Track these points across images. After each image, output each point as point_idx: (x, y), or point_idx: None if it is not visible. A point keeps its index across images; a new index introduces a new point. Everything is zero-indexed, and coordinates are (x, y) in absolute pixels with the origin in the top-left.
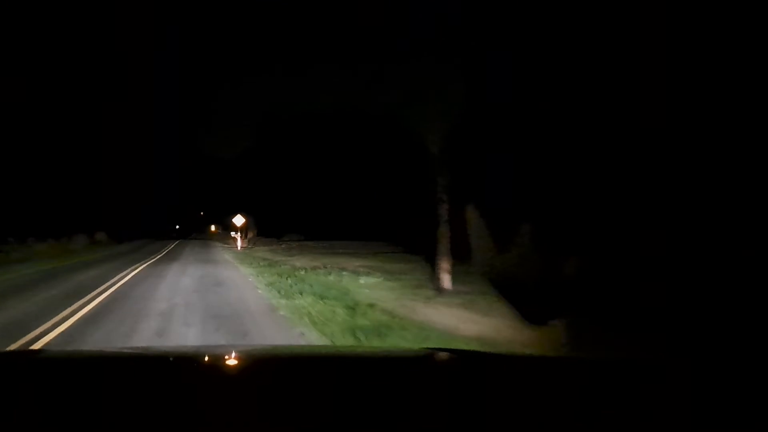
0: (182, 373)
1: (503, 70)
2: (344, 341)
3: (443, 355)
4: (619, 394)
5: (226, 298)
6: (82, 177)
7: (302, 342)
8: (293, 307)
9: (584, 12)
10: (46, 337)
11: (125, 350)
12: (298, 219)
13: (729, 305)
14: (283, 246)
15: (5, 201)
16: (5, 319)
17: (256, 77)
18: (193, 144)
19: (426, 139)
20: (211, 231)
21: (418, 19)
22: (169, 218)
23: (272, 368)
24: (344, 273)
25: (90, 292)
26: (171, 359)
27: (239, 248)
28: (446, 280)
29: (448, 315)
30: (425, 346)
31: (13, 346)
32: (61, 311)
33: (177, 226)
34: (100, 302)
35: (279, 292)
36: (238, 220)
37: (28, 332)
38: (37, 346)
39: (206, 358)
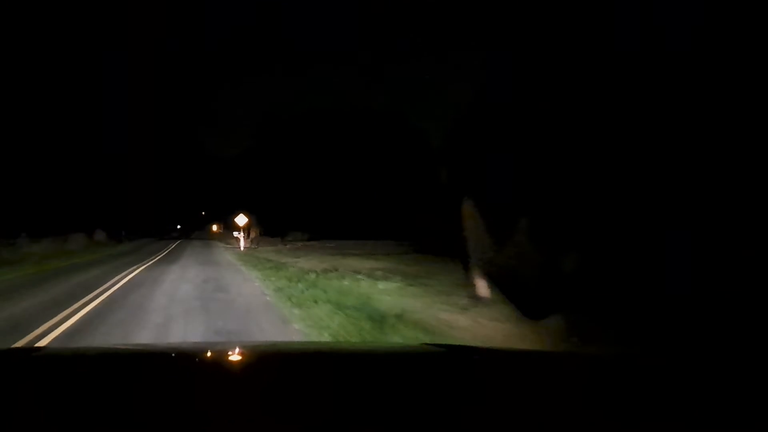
0: (184, 369)
1: (503, 69)
2: None
3: (443, 350)
4: (621, 390)
5: (230, 308)
6: (82, 176)
7: None
8: (309, 318)
9: (584, 12)
10: None
11: (127, 347)
12: (301, 218)
13: (728, 303)
14: (287, 246)
15: (1, 199)
16: None
17: (258, 75)
18: (195, 143)
19: (428, 134)
20: (213, 230)
21: (420, 20)
22: (170, 218)
23: (274, 364)
24: (359, 276)
25: (77, 301)
26: (173, 355)
27: (242, 248)
28: (483, 287)
29: (501, 332)
30: None
31: None
32: (41, 324)
33: (178, 226)
34: (87, 312)
35: (290, 299)
36: (241, 219)
37: None
38: None
39: (208, 354)
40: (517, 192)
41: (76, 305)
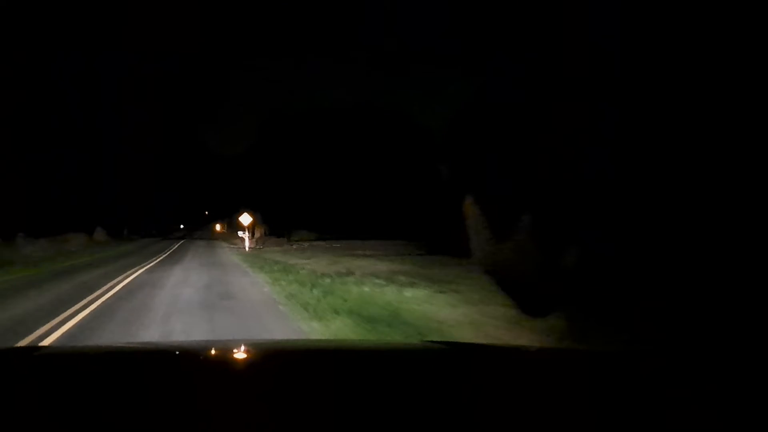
0: (187, 367)
1: (503, 69)
2: None
3: (445, 348)
4: (621, 388)
5: (239, 320)
6: (83, 175)
7: None
8: (332, 335)
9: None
10: None
11: (129, 345)
12: (306, 217)
13: (727, 301)
14: (294, 246)
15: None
16: None
17: (262, 72)
18: (198, 141)
19: (430, 131)
20: (217, 230)
21: (423, 24)
22: (173, 217)
23: (277, 361)
24: (378, 281)
25: (66, 310)
26: (176, 353)
27: (247, 249)
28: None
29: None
30: None
31: None
32: (20, 340)
33: (182, 225)
34: (74, 325)
35: (306, 309)
36: (245, 218)
37: None
38: None
39: (210, 353)
40: (517, 189)
41: (63, 315)
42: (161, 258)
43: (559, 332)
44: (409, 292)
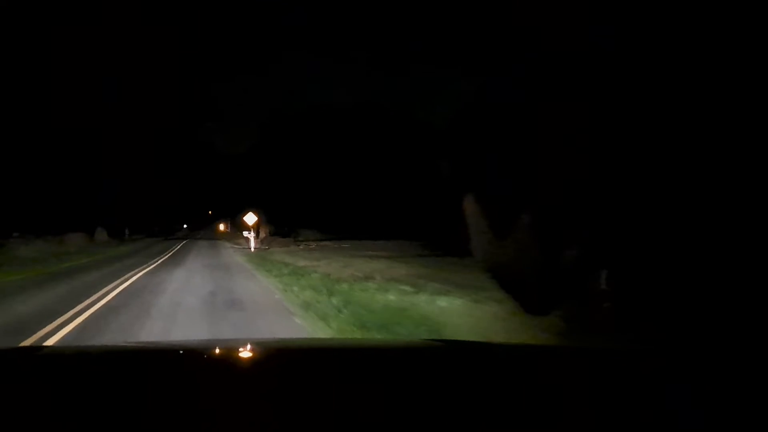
0: (189, 367)
1: (503, 69)
2: None
3: (446, 346)
4: (621, 386)
5: (251, 337)
6: (85, 174)
7: None
8: None
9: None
10: None
11: (132, 344)
12: (311, 216)
13: (727, 300)
14: (300, 247)
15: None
16: None
17: (266, 70)
18: (202, 140)
19: (432, 128)
20: (220, 230)
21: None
22: (176, 217)
23: (279, 360)
24: (403, 287)
25: (50, 323)
26: (180, 352)
27: (252, 249)
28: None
29: None
30: None
31: None
32: None
33: (185, 225)
34: (55, 343)
35: (327, 323)
36: (250, 218)
37: None
38: None
39: (212, 352)
40: (518, 188)
41: (46, 330)
42: (163, 259)
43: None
44: (443, 302)
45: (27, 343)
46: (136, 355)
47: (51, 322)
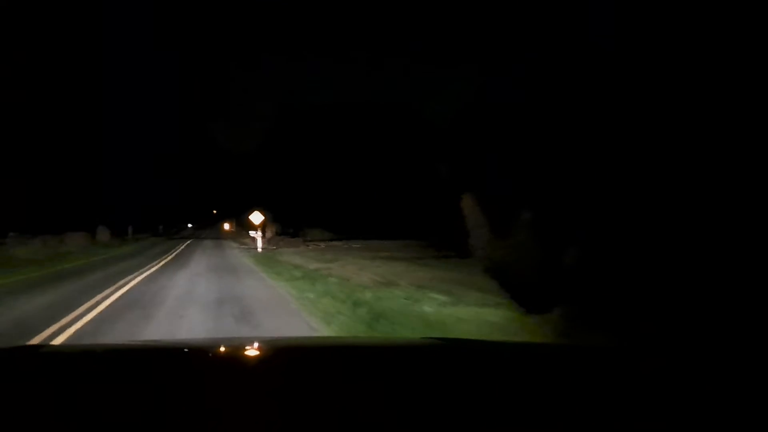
0: (191, 365)
1: (504, 69)
2: None
3: (444, 343)
4: (621, 385)
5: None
6: (87, 173)
7: None
8: None
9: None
10: None
11: (135, 344)
12: (316, 215)
13: (728, 300)
14: (310, 247)
15: None
16: None
17: (272, 67)
18: (207, 140)
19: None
20: (225, 229)
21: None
22: (180, 216)
23: (284, 358)
24: (436, 296)
25: (27, 341)
26: (185, 350)
27: (260, 249)
28: None
29: None
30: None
31: None
32: None
33: (189, 224)
34: None
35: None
36: (256, 217)
37: None
38: None
39: (213, 350)
40: (517, 186)
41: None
42: (165, 261)
43: None
44: (491, 315)
45: (55, 327)
46: (139, 354)
47: (67, 315)
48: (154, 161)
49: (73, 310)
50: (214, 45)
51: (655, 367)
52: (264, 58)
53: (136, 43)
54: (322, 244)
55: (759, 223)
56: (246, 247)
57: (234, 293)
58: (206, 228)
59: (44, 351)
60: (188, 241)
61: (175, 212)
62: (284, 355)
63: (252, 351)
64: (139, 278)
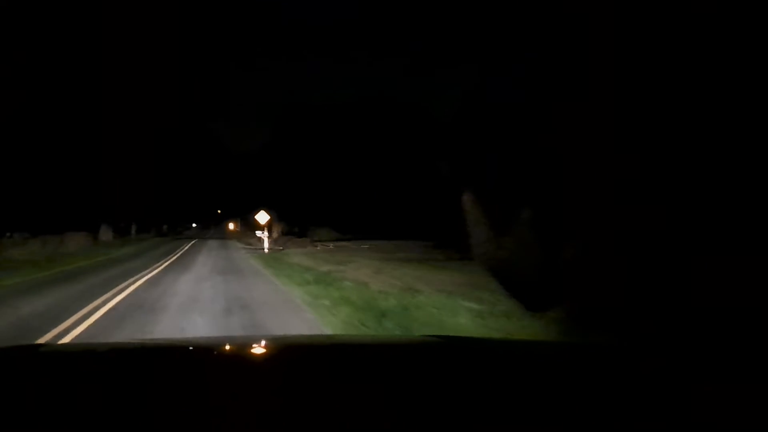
0: (191, 364)
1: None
2: None
3: (443, 341)
4: (619, 383)
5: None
6: (89, 172)
7: None
8: None
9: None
10: None
11: (137, 342)
12: (322, 214)
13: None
14: (318, 247)
15: None
16: None
17: (277, 65)
18: (211, 139)
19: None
20: (230, 229)
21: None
22: (184, 216)
23: (288, 357)
24: (469, 305)
25: None
26: (189, 349)
27: (266, 250)
28: None
29: None
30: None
31: None
32: None
33: (194, 224)
34: None
35: None
36: (262, 216)
37: None
38: None
39: (214, 349)
40: (517, 185)
41: None
42: (168, 262)
43: None
44: (537, 327)
45: (60, 329)
46: (140, 353)
47: (52, 329)
48: (156, 161)
49: (62, 321)
50: (215, 45)
51: (655, 366)
52: (265, 59)
53: (137, 42)
54: (331, 244)
55: (758, 222)
56: (252, 247)
57: (242, 300)
58: (210, 228)
59: (45, 350)
60: (192, 241)
61: (180, 212)
62: (286, 353)
63: (253, 349)
64: (139, 282)
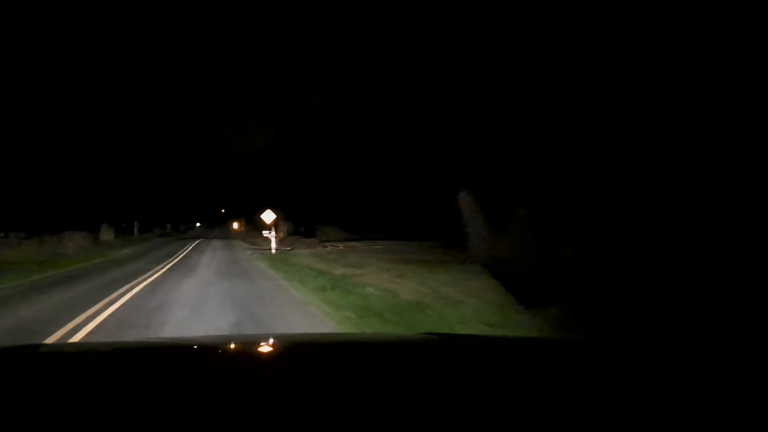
0: (202, 362)
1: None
2: None
3: (442, 340)
4: (618, 380)
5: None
6: (89, 172)
7: None
8: None
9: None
10: None
11: (139, 342)
12: (328, 214)
13: (727, 297)
14: (328, 248)
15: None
16: None
17: (282, 65)
18: (216, 138)
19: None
20: (234, 228)
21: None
22: (188, 215)
23: (286, 355)
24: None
25: None
26: (194, 347)
27: (273, 251)
28: None
29: None
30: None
31: None
32: None
33: (198, 224)
34: None
35: None
36: (268, 216)
37: None
38: None
39: (213, 348)
40: (515, 183)
41: None
42: (170, 265)
43: None
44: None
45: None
46: (141, 352)
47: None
48: (160, 160)
49: (56, 330)
50: (217, 45)
51: (654, 366)
52: (267, 59)
53: (137, 42)
54: (340, 245)
55: (757, 221)
56: (258, 247)
57: (252, 310)
58: (215, 227)
59: (45, 350)
60: (196, 241)
61: (183, 211)
62: (289, 352)
63: (257, 348)
64: (137, 289)
